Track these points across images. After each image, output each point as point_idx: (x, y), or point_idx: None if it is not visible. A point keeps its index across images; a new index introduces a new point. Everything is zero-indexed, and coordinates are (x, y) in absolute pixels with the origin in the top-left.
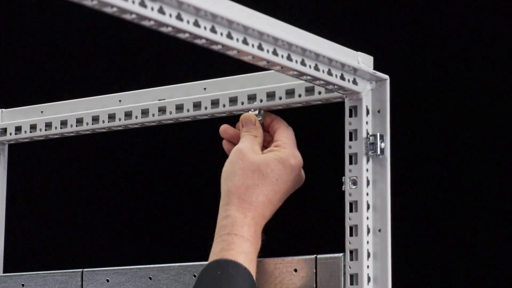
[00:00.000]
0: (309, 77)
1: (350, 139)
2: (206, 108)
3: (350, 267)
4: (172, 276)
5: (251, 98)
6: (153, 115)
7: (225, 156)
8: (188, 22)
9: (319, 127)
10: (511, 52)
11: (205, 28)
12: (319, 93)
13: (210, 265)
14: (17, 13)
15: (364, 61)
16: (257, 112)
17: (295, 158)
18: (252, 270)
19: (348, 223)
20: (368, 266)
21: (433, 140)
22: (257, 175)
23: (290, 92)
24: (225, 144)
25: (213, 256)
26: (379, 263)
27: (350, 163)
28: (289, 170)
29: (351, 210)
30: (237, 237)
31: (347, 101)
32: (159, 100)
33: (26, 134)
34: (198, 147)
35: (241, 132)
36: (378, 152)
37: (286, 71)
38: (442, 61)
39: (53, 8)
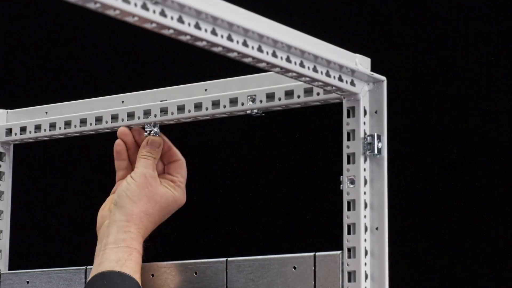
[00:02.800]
0: (307, 79)
1: (348, 139)
2: (207, 108)
3: (348, 265)
4: (174, 274)
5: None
6: (155, 115)
7: (229, 157)
8: (189, 24)
9: (317, 128)
10: (508, 53)
11: (206, 30)
12: (318, 94)
13: (96, 276)
14: (21, 15)
15: (361, 62)
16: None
17: (184, 199)
18: (139, 278)
19: (346, 222)
20: (365, 264)
21: (429, 140)
22: (157, 207)
23: (289, 93)
24: (120, 154)
25: (111, 263)
26: (377, 260)
27: (348, 162)
28: (177, 207)
29: (349, 209)
30: (136, 251)
31: (345, 102)
32: (161, 101)
33: (30, 135)
34: (199, 147)
35: (143, 150)
36: (376, 152)
37: (285, 72)
38: (438, 62)
39: (56, 10)
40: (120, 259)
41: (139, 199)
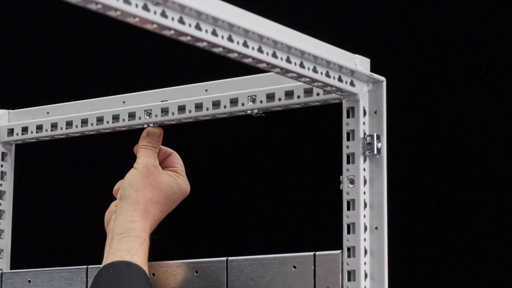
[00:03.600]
0: (307, 79)
1: (348, 139)
2: (207, 109)
3: (347, 264)
4: (174, 273)
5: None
6: (156, 116)
7: (229, 157)
8: (190, 25)
9: (317, 128)
10: (507, 54)
11: (206, 31)
12: (318, 94)
13: (103, 267)
14: (23, 16)
15: (361, 63)
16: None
17: (188, 186)
18: (146, 268)
19: (345, 221)
20: (365, 263)
21: (428, 140)
22: (163, 195)
23: (289, 94)
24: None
25: (122, 252)
26: (376, 260)
27: (348, 162)
28: (182, 195)
29: (348, 209)
30: (145, 241)
31: (345, 102)
32: (161, 101)
33: (32, 135)
34: (200, 147)
35: (143, 141)
36: (375, 152)
37: (285, 73)
38: (437, 63)
39: (58, 11)
40: (131, 248)
41: (144, 188)
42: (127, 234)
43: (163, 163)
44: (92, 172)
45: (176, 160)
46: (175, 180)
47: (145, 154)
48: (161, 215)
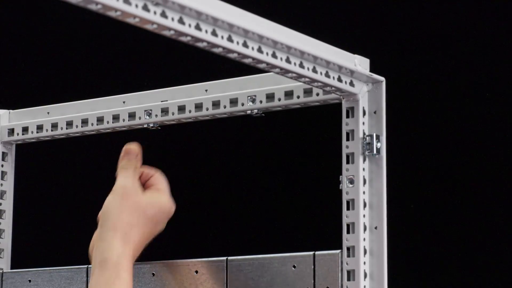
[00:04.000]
0: (307, 79)
1: (347, 139)
2: (207, 109)
3: (347, 264)
4: (174, 273)
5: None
6: (156, 116)
7: (229, 157)
8: (190, 25)
9: (317, 128)
10: (506, 54)
11: (206, 31)
12: (317, 94)
13: None
14: (24, 17)
15: (360, 63)
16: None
17: (171, 205)
18: None
19: (345, 221)
20: (364, 263)
21: (427, 140)
22: (142, 217)
23: (289, 94)
24: None
25: (99, 286)
26: (375, 259)
27: (347, 162)
28: (166, 215)
29: (348, 208)
30: (123, 268)
31: (344, 103)
32: (161, 101)
33: (33, 135)
34: (200, 147)
35: (121, 161)
36: (374, 152)
37: (285, 73)
38: (436, 63)
39: (58, 11)
40: (108, 280)
41: (121, 212)
42: (105, 265)
43: (146, 184)
44: (92, 172)
45: (159, 179)
46: (156, 199)
47: (124, 175)
48: (143, 239)
